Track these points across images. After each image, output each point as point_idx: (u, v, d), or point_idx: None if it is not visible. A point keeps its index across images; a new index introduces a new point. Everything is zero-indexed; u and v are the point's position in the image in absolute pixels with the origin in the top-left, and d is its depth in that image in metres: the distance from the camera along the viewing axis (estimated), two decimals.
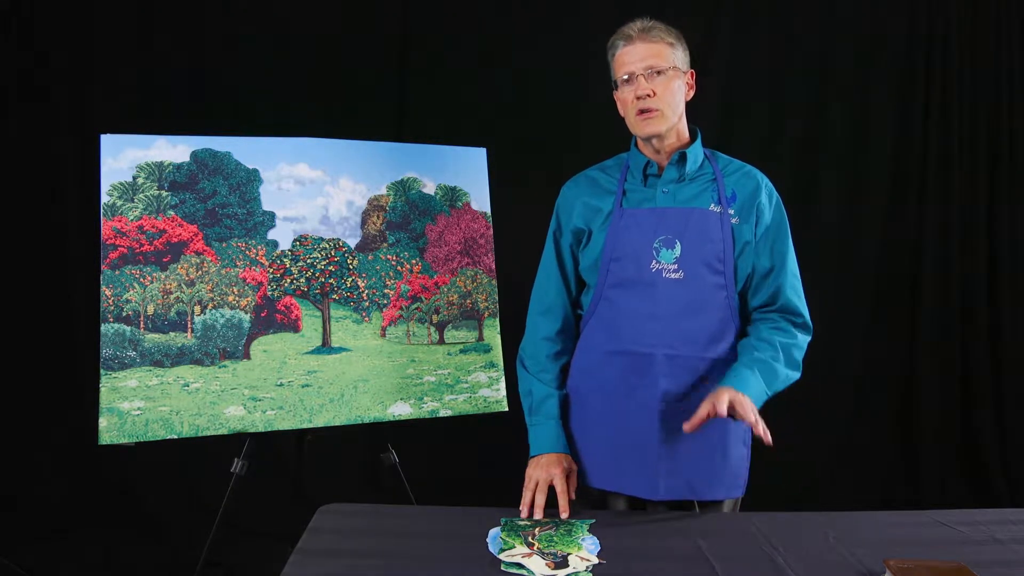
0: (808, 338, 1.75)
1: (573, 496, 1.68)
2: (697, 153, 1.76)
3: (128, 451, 2.31)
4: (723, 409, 1.52)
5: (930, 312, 3.72)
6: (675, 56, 1.71)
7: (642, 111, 1.69)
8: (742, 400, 1.54)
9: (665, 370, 1.68)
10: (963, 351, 3.74)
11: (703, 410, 1.55)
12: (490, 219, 2.65)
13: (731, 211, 1.72)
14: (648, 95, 1.68)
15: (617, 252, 1.73)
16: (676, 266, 1.69)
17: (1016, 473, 3.65)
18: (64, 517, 3.22)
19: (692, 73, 1.75)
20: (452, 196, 2.62)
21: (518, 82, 3.51)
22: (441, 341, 2.55)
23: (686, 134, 1.77)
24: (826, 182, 3.70)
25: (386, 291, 2.51)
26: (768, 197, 1.75)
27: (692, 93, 1.76)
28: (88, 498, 3.29)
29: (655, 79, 1.68)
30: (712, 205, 1.72)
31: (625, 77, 1.70)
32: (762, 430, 1.51)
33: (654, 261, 1.70)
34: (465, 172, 2.64)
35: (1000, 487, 3.62)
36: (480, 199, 2.66)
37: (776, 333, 1.71)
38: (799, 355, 1.72)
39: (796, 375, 1.72)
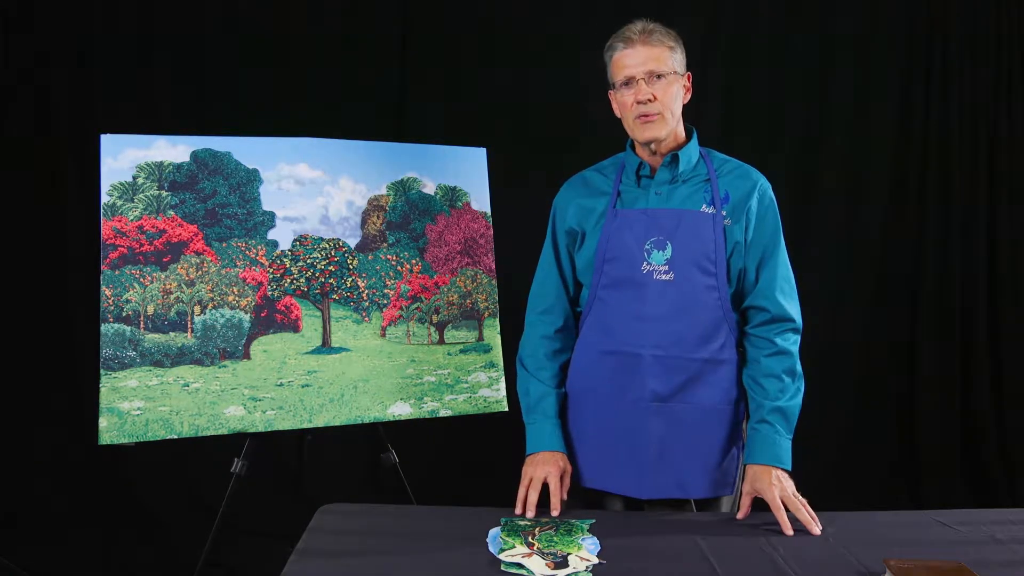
0: (798, 337, 1.76)
1: (565, 496, 1.68)
2: (691, 154, 1.76)
3: (128, 451, 2.31)
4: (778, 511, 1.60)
5: (930, 312, 3.72)
6: (674, 60, 1.71)
7: (642, 115, 1.69)
8: (780, 503, 1.60)
9: (653, 370, 1.70)
10: (963, 351, 3.74)
11: (748, 500, 1.65)
12: (490, 219, 2.65)
13: (723, 212, 1.71)
14: (649, 99, 1.68)
15: (610, 253, 1.74)
16: (667, 267, 1.70)
17: (1016, 473, 3.65)
18: (64, 517, 3.22)
19: (689, 76, 1.75)
20: (452, 196, 2.62)
21: (518, 82, 3.51)
22: (441, 341, 2.55)
23: (682, 135, 1.78)
24: (826, 182, 3.70)
25: (386, 291, 2.51)
26: (760, 199, 1.74)
27: (689, 96, 1.76)
28: (88, 498, 3.28)
29: (656, 83, 1.68)
30: (704, 206, 1.72)
31: (624, 80, 1.70)
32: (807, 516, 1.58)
33: (645, 263, 1.71)
34: (465, 172, 2.64)
35: (1000, 487, 3.62)
36: (480, 199, 2.66)
37: (776, 360, 1.71)
38: (799, 366, 1.74)
39: (803, 384, 1.74)
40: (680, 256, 1.69)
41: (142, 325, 2.26)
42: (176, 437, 2.22)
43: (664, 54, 1.69)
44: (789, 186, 3.62)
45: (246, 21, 3.39)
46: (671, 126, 1.72)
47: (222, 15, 3.38)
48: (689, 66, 1.76)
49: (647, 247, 1.71)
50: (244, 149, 2.41)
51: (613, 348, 1.74)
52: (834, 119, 3.69)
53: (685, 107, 1.77)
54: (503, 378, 2.57)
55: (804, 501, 1.60)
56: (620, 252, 1.73)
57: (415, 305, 2.54)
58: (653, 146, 1.74)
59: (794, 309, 1.74)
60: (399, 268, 2.54)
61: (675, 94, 1.71)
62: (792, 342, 1.73)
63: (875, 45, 3.68)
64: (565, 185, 1.90)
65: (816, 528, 1.54)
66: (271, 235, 2.41)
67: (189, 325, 2.30)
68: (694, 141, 1.78)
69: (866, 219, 3.72)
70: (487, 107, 3.51)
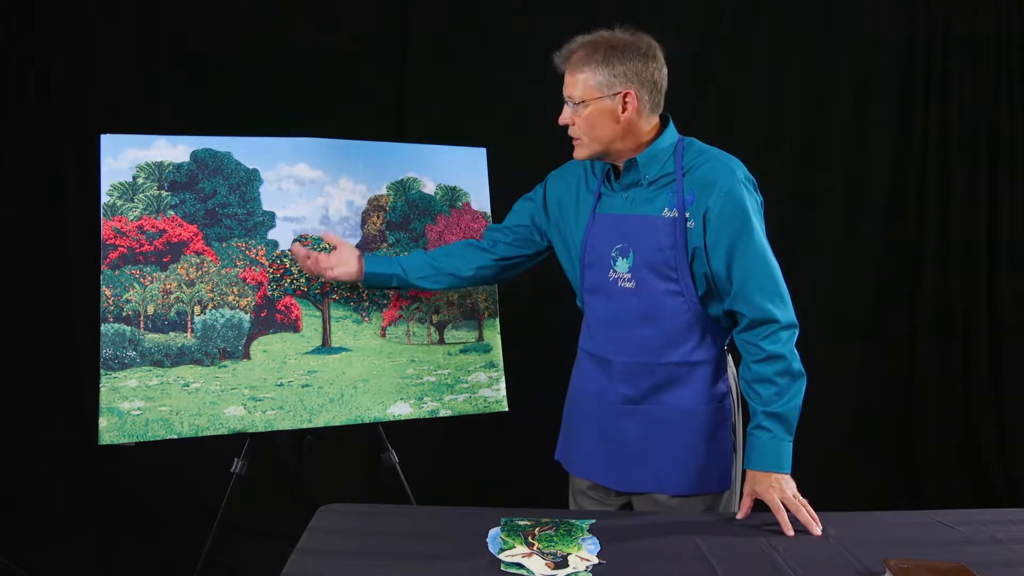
0: (794, 332, 1.68)
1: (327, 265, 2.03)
2: (656, 154, 1.70)
3: (128, 451, 2.31)
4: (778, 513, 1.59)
5: (930, 312, 3.72)
6: (594, 81, 1.66)
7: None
8: (780, 504, 1.59)
9: (623, 375, 1.73)
10: (963, 351, 3.74)
11: (748, 502, 1.64)
12: (490, 219, 2.65)
13: (687, 214, 1.67)
14: (568, 124, 1.72)
15: (588, 258, 1.77)
16: (630, 275, 1.70)
17: (1016, 473, 3.65)
18: (64, 517, 3.22)
19: (628, 93, 1.65)
20: (452, 196, 2.62)
21: (518, 82, 3.50)
22: (441, 341, 2.55)
23: (642, 138, 1.71)
24: (826, 182, 3.70)
25: (386, 291, 2.51)
26: (724, 198, 1.65)
27: (630, 111, 1.66)
28: (88, 498, 3.28)
29: (574, 108, 1.70)
30: (666, 210, 1.67)
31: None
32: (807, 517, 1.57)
33: (611, 270, 1.72)
34: (465, 172, 2.64)
35: (1000, 487, 3.62)
36: (480, 199, 2.66)
37: (766, 365, 1.65)
38: (796, 364, 1.67)
39: (803, 382, 1.68)
40: (640, 263, 1.69)
41: (142, 325, 2.26)
42: (176, 437, 2.22)
43: (579, 79, 1.68)
44: (789, 186, 3.62)
45: (246, 21, 3.39)
46: (593, 149, 1.71)
47: (222, 15, 3.38)
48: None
49: (613, 254, 1.72)
50: (244, 149, 2.41)
51: (592, 350, 1.80)
52: (834, 119, 3.69)
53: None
54: (503, 378, 2.57)
55: (804, 502, 1.60)
56: (595, 258, 1.76)
57: (415, 305, 2.54)
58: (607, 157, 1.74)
59: (778, 307, 1.65)
60: None
61: (593, 119, 1.67)
62: (783, 342, 1.65)
63: (875, 45, 3.68)
64: (569, 164, 1.90)
65: (816, 528, 1.54)
66: (271, 235, 2.41)
67: (189, 325, 2.30)
68: (664, 139, 1.71)
69: (866, 219, 3.72)
70: (487, 107, 3.51)
